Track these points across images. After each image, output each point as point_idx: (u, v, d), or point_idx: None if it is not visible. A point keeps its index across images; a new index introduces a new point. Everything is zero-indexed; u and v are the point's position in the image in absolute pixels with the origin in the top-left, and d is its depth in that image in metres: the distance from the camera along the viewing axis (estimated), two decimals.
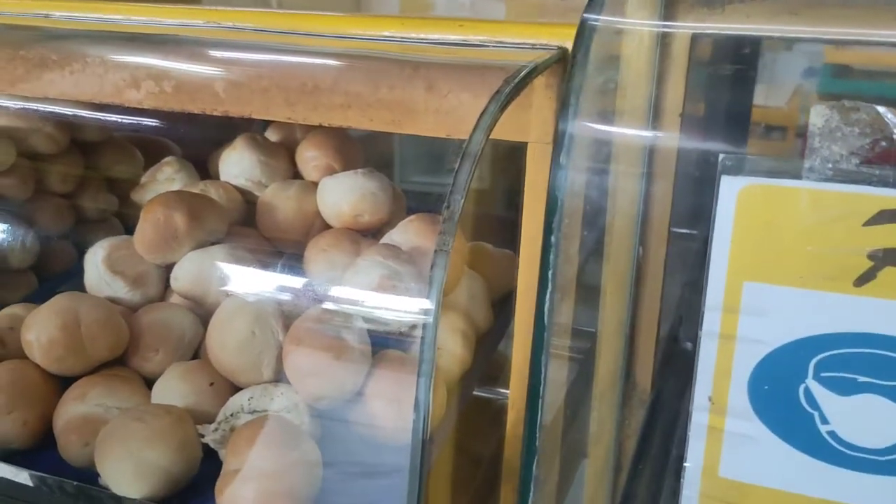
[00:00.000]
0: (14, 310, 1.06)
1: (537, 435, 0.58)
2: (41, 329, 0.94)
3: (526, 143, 0.83)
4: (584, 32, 0.61)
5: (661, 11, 0.68)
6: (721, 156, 0.51)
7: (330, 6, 1.08)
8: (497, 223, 1.29)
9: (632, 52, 0.71)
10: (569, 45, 0.79)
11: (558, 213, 0.57)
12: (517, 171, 0.91)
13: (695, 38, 0.78)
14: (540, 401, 0.58)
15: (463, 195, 0.59)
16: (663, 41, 0.75)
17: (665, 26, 0.70)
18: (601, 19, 0.61)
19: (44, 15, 1.02)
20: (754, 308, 0.52)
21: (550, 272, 0.57)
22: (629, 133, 0.70)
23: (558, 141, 0.57)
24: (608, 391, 0.80)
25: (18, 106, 1.21)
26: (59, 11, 1.01)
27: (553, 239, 0.56)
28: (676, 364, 0.90)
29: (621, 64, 0.72)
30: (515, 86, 0.69)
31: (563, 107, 0.58)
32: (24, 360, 0.96)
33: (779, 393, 0.53)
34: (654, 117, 0.72)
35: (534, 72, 0.73)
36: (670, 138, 0.79)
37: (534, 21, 0.88)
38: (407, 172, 1.68)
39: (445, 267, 0.57)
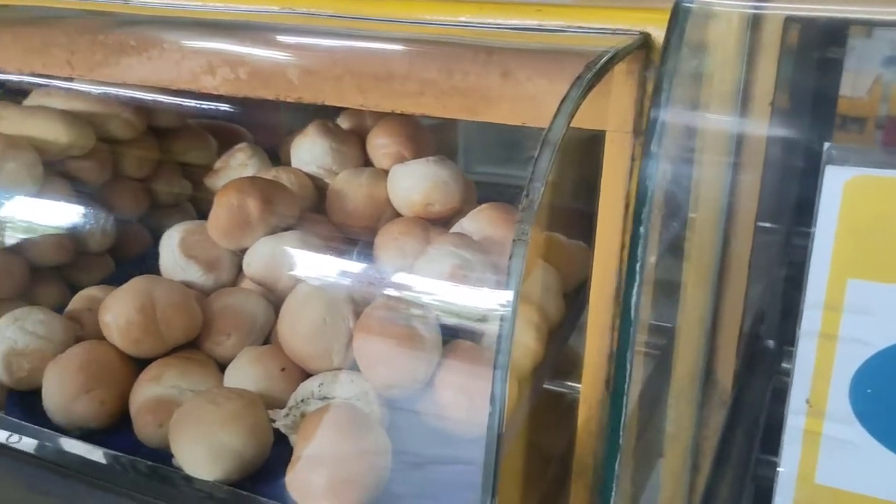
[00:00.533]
0: (92, 292, 1.08)
1: (620, 434, 0.57)
2: (119, 311, 0.96)
3: (602, 132, 0.81)
4: (678, 15, 0.58)
5: None
6: (826, 145, 0.48)
7: None
8: (567, 213, 1.26)
9: (720, 36, 0.68)
10: (651, 31, 0.77)
11: (648, 203, 0.55)
12: (589, 160, 0.88)
13: (786, 22, 0.74)
14: (624, 398, 0.56)
15: (543, 183, 0.57)
16: (754, 25, 0.71)
17: (758, 8, 0.67)
18: (696, 1, 0.59)
19: (123, 1, 1.03)
20: (859, 306, 0.49)
21: (639, 265, 0.55)
22: (717, 121, 0.67)
23: (649, 128, 0.55)
24: (687, 389, 0.77)
25: (97, 91, 1.23)
26: None
27: (642, 230, 0.54)
28: (759, 362, 0.87)
29: (709, 49, 0.69)
30: (597, 72, 0.66)
31: (655, 92, 0.56)
32: (101, 341, 0.98)
33: (883, 397, 0.50)
34: (743, 105, 0.68)
35: (615, 58, 0.71)
36: (759, 127, 0.75)
37: (614, 5, 0.85)
38: (470, 162, 1.67)
39: (524, 257, 0.56)
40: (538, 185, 0.56)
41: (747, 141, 0.71)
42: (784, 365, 0.94)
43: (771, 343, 0.98)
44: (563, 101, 0.62)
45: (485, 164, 1.64)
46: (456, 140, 1.65)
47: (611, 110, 0.80)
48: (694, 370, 0.78)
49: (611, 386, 0.87)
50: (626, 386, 0.56)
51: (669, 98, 0.55)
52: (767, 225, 0.93)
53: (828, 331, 0.51)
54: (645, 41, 0.77)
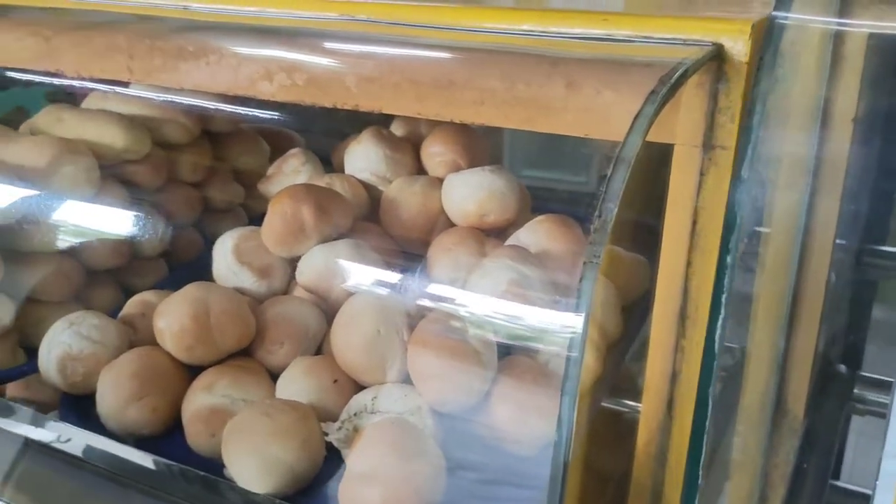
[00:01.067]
0: (146, 296, 1.08)
1: (700, 474, 0.54)
2: (173, 317, 0.95)
3: (670, 145, 0.78)
4: (772, 31, 0.55)
5: (837, 8, 0.61)
6: None
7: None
8: (626, 225, 1.23)
9: (803, 51, 0.65)
10: (724, 42, 0.74)
11: (737, 231, 0.52)
12: (648, 170, 0.85)
13: (869, 39, 0.71)
14: (705, 437, 0.53)
15: (616, 204, 0.55)
16: (836, 40, 0.68)
17: (841, 24, 0.64)
18: (791, 17, 0.56)
19: (182, 7, 1.03)
20: None
21: (724, 296, 0.52)
22: (797, 136, 0.64)
23: (740, 152, 0.52)
24: (756, 415, 0.74)
25: (154, 96, 1.24)
26: (197, 3, 1.02)
27: (729, 259, 0.52)
28: (831, 388, 0.83)
29: (792, 65, 0.66)
30: (671, 86, 0.64)
31: (749, 115, 0.53)
32: (155, 347, 0.98)
33: None
34: (823, 122, 0.65)
35: (688, 71, 0.68)
36: (840, 146, 0.72)
37: (684, 15, 0.82)
38: (516, 166, 1.64)
39: (595, 280, 0.54)
40: (611, 205, 0.54)
41: (827, 157, 0.68)
42: (856, 391, 0.91)
43: (843, 368, 0.94)
44: (636, 117, 0.60)
45: (531, 167, 1.62)
46: (501, 143, 1.63)
47: (679, 123, 0.77)
48: (764, 396, 0.75)
49: (672, 408, 0.85)
50: (706, 423, 0.53)
51: (763, 121, 0.52)
52: (840, 242, 0.90)
53: None
54: (717, 53, 0.74)
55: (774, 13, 0.57)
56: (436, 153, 1.18)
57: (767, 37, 0.56)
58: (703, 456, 0.54)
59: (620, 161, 0.56)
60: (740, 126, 0.56)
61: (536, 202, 1.24)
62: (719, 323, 0.53)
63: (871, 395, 0.91)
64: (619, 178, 0.56)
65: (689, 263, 0.81)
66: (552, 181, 1.61)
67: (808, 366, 0.76)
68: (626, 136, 0.59)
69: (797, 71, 0.67)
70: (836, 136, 0.72)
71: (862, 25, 0.65)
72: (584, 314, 0.54)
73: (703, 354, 0.53)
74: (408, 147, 1.22)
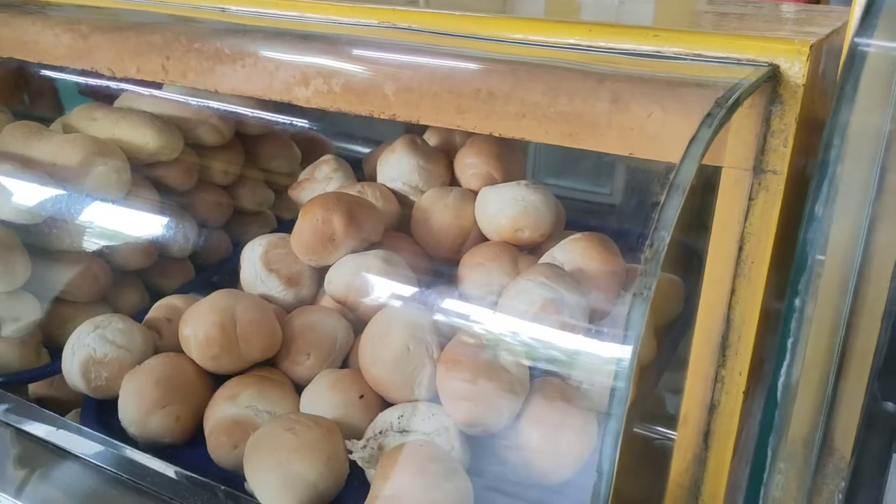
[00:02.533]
0: (172, 301, 1.07)
1: None
2: (198, 325, 0.94)
3: (718, 167, 0.76)
4: (853, 60, 0.52)
5: None
6: None
7: (503, 10, 1.03)
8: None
9: (867, 75, 0.62)
10: (780, 62, 0.71)
11: (807, 273, 0.49)
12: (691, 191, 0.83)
13: None
14: (762, 489, 0.50)
15: (669, 233, 0.52)
16: None
17: None
18: (873, 44, 0.53)
19: (220, 9, 1.02)
20: None
21: (790, 341, 0.49)
22: (859, 166, 0.61)
23: (815, 188, 0.49)
24: (799, 453, 0.71)
25: (187, 98, 1.22)
26: (235, 6, 1.01)
27: (797, 303, 0.49)
28: (877, 427, 0.80)
29: (862, 90, 0.62)
30: (728, 109, 0.61)
31: (826, 148, 0.50)
32: (179, 355, 0.96)
33: None
34: (887, 149, 0.62)
35: (744, 92, 0.66)
36: None
37: (738, 33, 0.80)
38: (540, 174, 1.62)
39: (645, 314, 0.51)
40: (664, 234, 0.51)
41: (887, 188, 0.65)
42: None
43: (890, 406, 0.90)
44: (691, 141, 0.57)
45: (554, 176, 1.60)
46: (525, 152, 1.60)
47: (729, 146, 0.74)
48: (810, 432, 0.72)
49: (709, 440, 0.82)
50: (763, 480, 0.50)
51: (840, 155, 0.50)
52: None
53: None
54: (773, 74, 0.71)
55: (857, 39, 0.54)
56: (470, 165, 1.16)
57: (849, 64, 0.53)
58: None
59: (674, 188, 0.54)
60: (793, 154, 0.53)
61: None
62: (784, 369, 0.50)
63: None
64: (672, 205, 0.53)
65: (733, 291, 0.78)
66: (575, 191, 1.58)
67: (858, 404, 0.73)
68: (681, 162, 0.56)
69: (863, 96, 0.65)
70: None
71: None
72: (632, 347, 0.51)
73: (766, 401, 0.50)
74: (442, 158, 1.20)
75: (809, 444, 0.72)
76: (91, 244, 1.11)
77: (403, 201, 1.17)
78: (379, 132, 1.44)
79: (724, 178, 0.75)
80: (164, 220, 1.19)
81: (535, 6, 1.15)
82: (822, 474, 0.74)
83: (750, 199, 0.75)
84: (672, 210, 0.53)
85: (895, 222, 0.65)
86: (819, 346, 0.69)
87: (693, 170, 0.55)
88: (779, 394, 0.50)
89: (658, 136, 0.72)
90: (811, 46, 0.70)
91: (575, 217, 1.20)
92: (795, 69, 0.70)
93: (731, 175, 0.75)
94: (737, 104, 0.63)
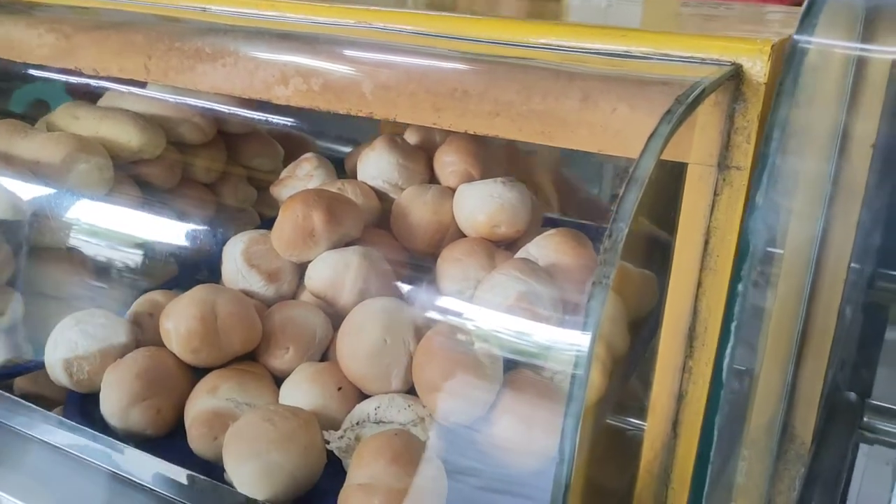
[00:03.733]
0: (154, 296, 1.08)
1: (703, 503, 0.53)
2: (179, 319, 0.95)
3: (683, 163, 0.78)
4: (794, 57, 0.54)
5: (860, 32, 0.61)
6: None
7: (471, 9, 1.05)
8: (635, 240, 1.23)
9: (821, 75, 0.65)
10: (743, 62, 0.73)
11: (749, 259, 0.52)
12: (661, 187, 0.85)
13: (893, 66, 0.70)
14: (709, 467, 0.52)
15: (627, 224, 0.54)
16: (858, 66, 0.67)
17: (864, 50, 0.63)
18: (813, 42, 0.55)
19: (201, 9, 1.03)
20: None
21: (734, 324, 0.51)
22: (813, 164, 0.63)
23: (756, 179, 0.51)
24: (762, 440, 0.73)
25: (170, 97, 1.24)
26: (216, 6, 1.03)
27: (740, 288, 0.51)
28: (839, 415, 0.82)
29: (811, 89, 0.65)
30: (688, 105, 0.63)
31: (766, 141, 0.52)
32: (160, 348, 0.98)
33: None
34: (842, 147, 0.65)
35: (705, 90, 0.68)
36: (858, 171, 0.71)
37: (703, 33, 0.82)
38: None
39: (604, 301, 0.53)
40: (622, 225, 0.54)
41: (845, 182, 0.67)
42: (866, 420, 0.89)
43: (852, 395, 0.93)
44: (651, 136, 0.59)
45: None
46: (517, 154, 1.62)
47: (695, 142, 0.76)
48: (771, 420, 0.74)
49: (678, 428, 0.84)
50: (711, 454, 0.52)
51: (780, 147, 0.52)
52: (854, 267, 0.89)
53: None
54: (736, 72, 0.74)
55: (797, 37, 0.56)
56: (449, 163, 1.18)
57: (788, 61, 0.55)
58: (706, 486, 0.54)
59: (633, 181, 0.56)
60: (756, 150, 0.55)
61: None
62: (728, 350, 0.52)
63: (881, 424, 0.90)
64: (630, 198, 0.55)
65: (699, 283, 0.80)
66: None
67: (817, 392, 0.75)
68: (640, 156, 0.58)
69: (817, 95, 0.67)
70: (855, 160, 0.71)
71: (885, 52, 0.64)
72: (591, 334, 0.53)
73: (710, 382, 0.52)
74: (421, 156, 1.22)
75: (771, 431, 0.74)
76: (74, 241, 1.12)
77: (383, 198, 1.19)
78: (364, 131, 1.46)
79: (690, 173, 0.77)
80: (146, 217, 1.21)
81: (519, 7, 1.18)
82: (784, 460, 0.76)
83: (715, 194, 0.77)
84: (630, 202, 0.55)
85: (850, 217, 0.67)
86: (779, 336, 0.71)
87: (652, 164, 0.57)
88: (724, 375, 0.52)
89: (624, 132, 0.74)
90: (773, 46, 0.72)
91: (565, 218, 1.22)
92: (757, 68, 0.72)
93: (696, 171, 0.77)
94: (697, 101, 0.65)
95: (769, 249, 0.70)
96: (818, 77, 0.62)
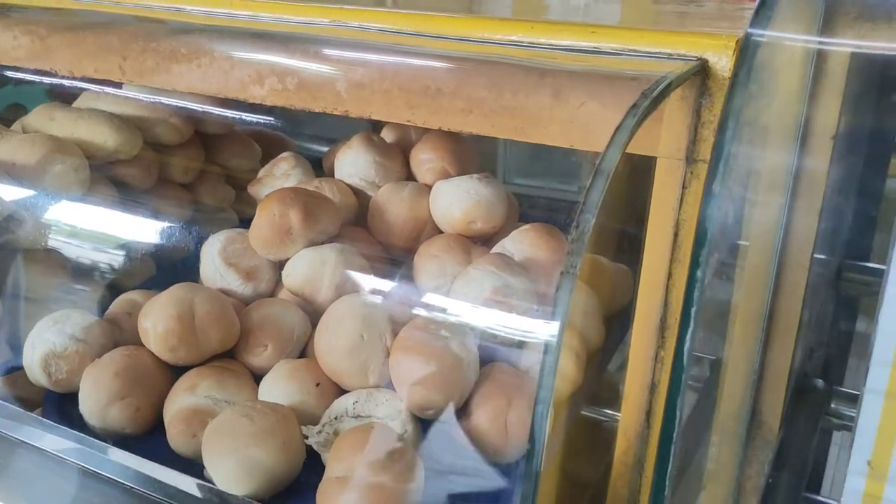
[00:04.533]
0: (132, 296, 1.08)
1: (666, 484, 0.54)
2: (157, 318, 0.96)
3: (653, 157, 0.79)
4: (748, 49, 0.56)
5: (820, 26, 0.62)
6: None
7: (453, 9, 1.06)
8: (610, 235, 1.25)
9: (783, 68, 0.66)
10: (709, 57, 0.75)
11: (707, 245, 0.53)
12: (634, 181, 0.86)
13: (852, 58, 0.71)
14: (672, 447, 0.54)
15: (594, 215, 0.56)
16: (818, 57, 0.69)
17: (823, 44, 0.64)
18: (767, 35, 0.56)
19: (175, 9, 1.04)
20: None
21: (694, 309, 0.53)
22: (775, 156, 0.65)
23: (712, 167, 0.53)
24: (731, 426, 0.74)
25: (147, 97, 1.24)
26: (190, 6, 1.03)
27: (699, 274, 0.52)
28: (806, 402, 0.84)
29: (770, 81, 0.66)
30: (653, 99, 0.65)
31: (721, 130, 0.54)
32: (139, 347, 0.98)
33: None
34: (804, 139, 0.66)
35: (671, 85, 0.69)
36: (820, 163, 0.73)
37: (670, 29, 0.83)
38: (511, 174, 1.65)
39: (572, 290, 0.54)
40: (588, 216, 0.55)
41: (807, 173, 0.69)
42: (833, 406, 0.91)
43: (819, 383, 0.95)
44: (617, 130, 0.61)
45: (525, 175, 1.63)
46: (496, 151, 1.64)
47: (663, 136, 0.78)
48: (739, 407, 0.75)
49: (651, 419, 0.85)
50: (674, 434, 0.54)
51: (735, 136, 0.53)
52: (819, 256, 0.90)
53: (895, 390, 0.48)
54: (702, 67, 0.75)
55: (751, 30, 0.57)
56: (425, 160, 1.19)
57: (742, 54, 0.57)
58: (670, 467, 0.55)
59: (599, 173, 0.57)
60: (716, 140, 0.56)
61: (529, 210, 1.25)
62: (688, 335, 0.53)
63: (846, 410, 0.92)
64: (597, 189, 0.56)
65: (669, 275, 0.81)
66: (545, 189, 1.62)
67: (783, 379, 0.77)
68: (606, 148, 0.60)
69: (777, 88, 0.68)
70: (816, 152, 0.73)
71: (844, 44, 0.65)
72: (559, 323, 0.54)
73: (671, 366, 0.53)
74: (397, 153, 1.23)
75: (739, 417, 0.75)
76: (51, 242, 1.12)
77: (360, 196, 1.20)
78: (344, 130, 1.46)
79: (659, 167, 0.78)
80: (123, 217, 1.21)
81: (499, 6, 1.19)
82: (752, 446, 0.78)
83: (683, 187, 0.78)
84: (596, 194, 0.56)
85: (813, 209, 0.69)
86: (746, 325, 0.73)
87: (617, 156, 0.59)
88: (684, 359, 0.53)
89: (596, 128, 0.75)
90: (737, 41, 0.74)
91: (544, 215, 1.23)
92: (722, 63, 0.74)
93: (665, 165, 0.78)
94: (663, 95, 0.67)
95: (734, 240, 0.72)
96: (777, 70, 0.64)
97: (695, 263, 0.53)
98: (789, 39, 0.61)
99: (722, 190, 0.53)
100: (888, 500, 0.49)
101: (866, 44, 0.62)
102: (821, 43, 0.66)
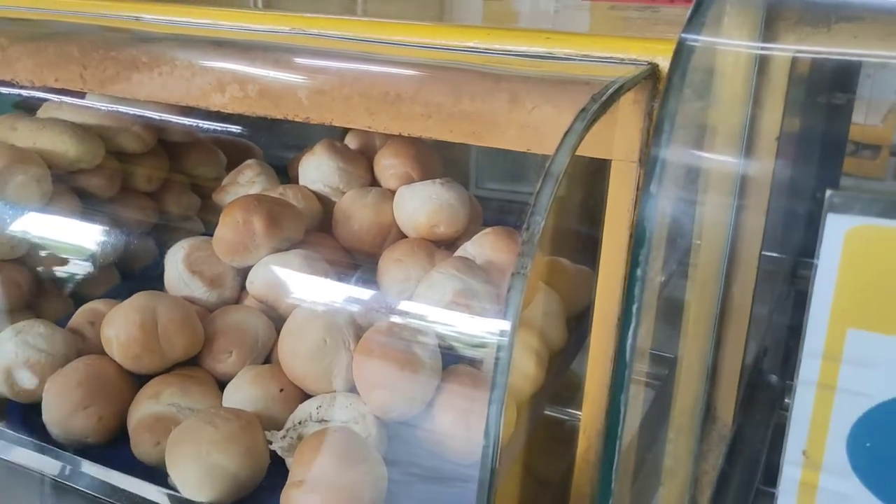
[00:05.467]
0: (95, 305, 1.08)
1: (613, 478, 0.56)
2: (120, 326, 0.96)
3: (608, 160, 0.81)
4: (681, 53, 0.58)
5: (762, 31, 0.64)
6: (828, 192, 0.47)
7: (413, 16, 1.07)
8: (572, 236, 1.26)
9: (727, 72, 0.68)
10: (659, 61, 0.77)
11: (646, 245, 0.54)
12: (595, 184, 0.88)
13: (794, 58, 0.74)
14: (617, 442, 0.55)
15: (544, 217, 0.57)
16: (761, 62, 0.71)
17: (765, 48, 0.66)
18: (700, 40, 0.58)
19: (135, 18, 1.04)
20: (859, 358, 0.48)
21: (635, 307, 0.54)
22: (722, 158, 0.66)
23: (649, 169, 0.54)
24: (686, 422, 0.76)
25: (108, 106, 1.24)
26: (150, 15, 1.03)
27: (639, 272, 0.54)
28: (760, 397, 0.86)
29: (715, 85, 0.68)
30: (602, 103, 0.66)
31: (657, 132, 0.55)
32: (102, 356, 0.98)
33: (882, 451, 0.49)
34: (749, 141, 0.68)
35: (621, 88, 0.71)
36: (765, 163, 0.75)
37: (622, 35, 0.85)
38: (483, 178, 1.67)
39: (523, 291, 0.55)
40: (538, 218, 0.56)
41: (753, 174, 0.70)
42: (787, 401, 0.93)
43: (773, 378, 0.97)
44: (566, 133, 0.62)
45: (497, 180, 1.64)
46: (468, 156, 1.65)
47: (616, 140, 0.79)
48: (694, 403, 0.77)
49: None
50: (619, 429, 0.55)
51: (670, 139, 0.55)
52: (772, 255, 0.93)
53: (826, 381, 0.50)
54: (653, 71, 0.77)
55: (684, 35, 0.59)
56: (388, 165, 1.20)
57: (675, 58, 0.59)
58: (615, 462, 0.56)
59: (549, 176, 0.59)
60: (652, 143, 0.58)
61: (501, 215, 1.26)
62: (630, 332, 0.55)
63: None
64: (546, 192, 0.58)
65: (626, 276, 0.83)
66: (518, 194, 1.63)
67: (736, 374, 0.79)
68: (556, 151, 0.61)
69: (721, 91, 0.70)
70: (762, 153, 0.75)
71: (785, 49, 0.67)
72: (511, 322, 0.55)
73: (614, 363, 0.55)
74: (361, 159, 1.24)
75: (694, 413, 0.77)
76: (13, 253, 1.12)
77: (325, 202, 1.21)
78: (311, 137, 1.46)
79: (614, 170, 0.80)
80: (86, 227, 1.21)
81: (473, 15, 1.20)
82: (707, 441, 0.80)
83: (637, 189, 0.80)
84: (546, 196, 0.57)
85: (760, 208, 0.71)
86: (699, 325, 0.75)
87: (566, 158, 0.60)
88: (627, 355, 0.54)
89: (550, 132, 0.77)
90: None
91: (515, 218, 1.24)
92: None
93: (619, 167, 0.80)
94: (613, 99, 0.68)
95: (690, 239, 0.74)
96: (718, 73, 0.65)
97: (635, 262, 0.55)
98: (728, 44, 0.63)
99: (659, 190, 0.54)
100: (823, 489, 0.50)
101: (806, 48, 0.64)
102: (763, 48, 0.68)
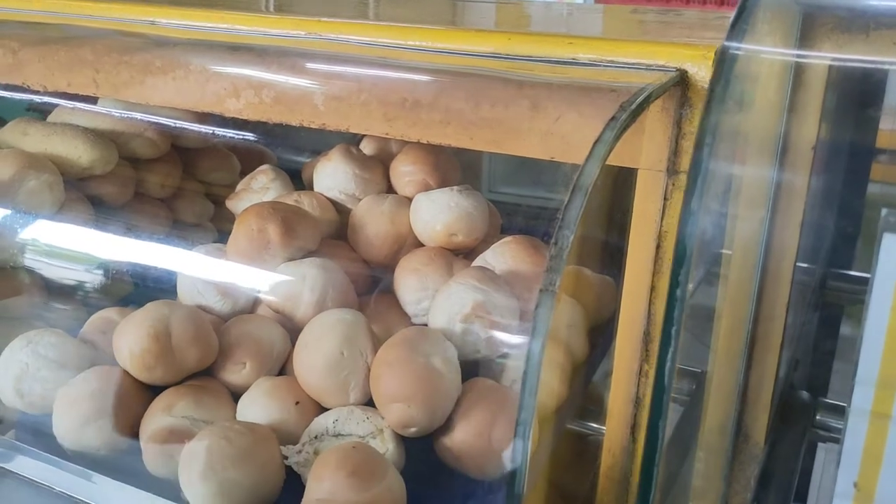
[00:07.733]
0: (108, 314, 1.06)
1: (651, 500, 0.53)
2: (133, 337, 0.94)
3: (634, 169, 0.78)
4: (724, 62, 0.55)
5: (798, 38, 0.62)
6: (884, 211, 0.44)
7: (428, 20, 1.05)
8: (594, 246, 1.24)
9: (762, 80, 0.65)
10: (688, 67, 0.74)
11: (686, 264, 0.52)
12: (618, 191, 0.85)
13: (830, 70, 0.71)
14: (655, 469, 0.52)
15: (573, 231, 0.55)
16: (796, 69, 0.68)
17: (802, 56, 0.64)
18: (743, 48, 0.56)
19: (150, 22, 1.02)
20: None
21: (674, 329, 0.52)
22: (756, 168, 0.64)
23: (690, 185, 0.52)
24: (716, 441, 0.73)
25: (121, 112, 1.22)
26: (165, 19, 1.02)
27: (678, 293, 0.51)
28: (792, 414, 0.83)
29: (751, 94, 0.66)
30: (632, 112, 0.64)
31: (698, 146, 0.53)
32: (114, 367, 0.96)
33: None
34: (784, 151, 0.65)
35: (651, 96, 0.68)
36: (801, 173, 0.72)
37: (648, 39, 0.83)
38: (495, 182, 1.65)
39: (552, 308, 0.53)
40: (567, 233, 0.54)
41: (787, 184, 0.68)
42: (819, 418, 0.91)
43: (805, 394, 0.94)
44: (595, 143, 0.60)
45: (510, 185, 1.62)
46: (480, 159, 1.63)
47: (644, 148, 0.77)
48: (724, 421, 0.75)
49: (636, 433, 0.84)
50: (656, 457, 0.52)
51: (712, 152, 0.52)
52: (802, 265, 0.90)
53: (880, 410, 0.47)
54: (681, 78, 0.74)
55: (727, 43, 0.57)
56: (405, 172, 1.18)
57: (719, 67, 0.56)
58: (653, 490, 0.54)
59: (578, 188, 0.56)
60: (694, 157, 0.55)
61: (514, 220, 1.24)
62: (670, 355, 0.52)
63: (833, 422, 0.91)
64: (576, 205, 0.55)
65: (652, 287, 0.81)
66: (531, 198, 1.61)
67: (768, 391, 0.76)
68: (585, 162, 0.59)
69: (757, 99, 0.68)
70: (797, 163, 0.72)
71: (822, 56, 0.65)
72: (540, 341, 0.53)
73: (653, 386, 0.52)
74: (377, 166, 1.22)
75: (724, 432, 0.75)
76: (24, 259, 1.10)
77: (340, 209, 1.19)
78: (325, 142, 1.45)
79: (640, 179, 0.78)
80: (99, 234, 1.19)
81: (481, 17, 1.18)
82: (739, 461, 0.77)
83: (665, 199, 0.77)
84: (575, 209, 0.55)
85: (795, 219, 0.68)
86: (730, 337, 0.72)
87: (596, 170, 0.58)
88: (665, 379, 0.52)
89: (574, 140, 0.75)
90: (716, 51, 0.73)
91: (528, 225, 1.22)
92: (702, 73, 0.73)
93: (646, 176, 0.77)
94: (642, 107, 0.66)
95: (716, 251, 0.71)
96: (754, 82, 0.63)
97: (675, 283, 0.52)
98: (767, 52, 0.60)
99: (701, 206, 0.52)
100: None
101: (843, 56, 0.61)
102: (798, 56, 0.65)
